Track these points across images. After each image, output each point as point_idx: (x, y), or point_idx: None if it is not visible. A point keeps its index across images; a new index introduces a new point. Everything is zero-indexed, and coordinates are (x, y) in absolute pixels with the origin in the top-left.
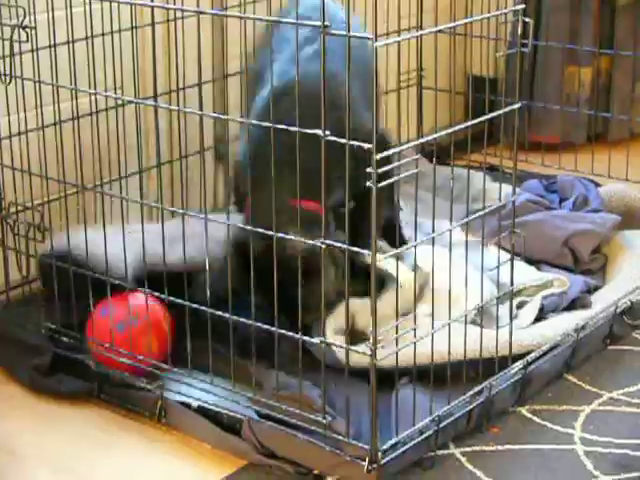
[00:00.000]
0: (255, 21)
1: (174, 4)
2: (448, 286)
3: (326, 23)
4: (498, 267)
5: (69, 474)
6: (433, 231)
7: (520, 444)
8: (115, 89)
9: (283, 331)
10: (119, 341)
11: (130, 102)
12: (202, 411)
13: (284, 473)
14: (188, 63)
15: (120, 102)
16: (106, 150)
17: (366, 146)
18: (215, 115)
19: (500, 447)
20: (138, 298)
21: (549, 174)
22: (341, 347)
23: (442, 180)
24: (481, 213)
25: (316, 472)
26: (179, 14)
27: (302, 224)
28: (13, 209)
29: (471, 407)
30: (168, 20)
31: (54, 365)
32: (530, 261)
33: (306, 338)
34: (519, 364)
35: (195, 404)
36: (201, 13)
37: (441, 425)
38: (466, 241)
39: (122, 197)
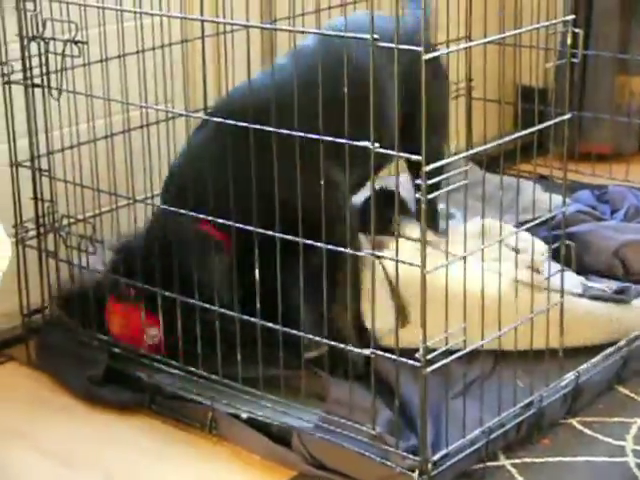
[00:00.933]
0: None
1: (223, 18)
2: (497, 296)
3: (375, 36)
4: (549, 278)
5: None
6: (482, 241)
7: (571, 456)
8: (165, 102)
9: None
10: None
11: (180, 115)
12: (252, 422)
13: None
14: (237, 76)
15: (170, 115)
16: (157, 162)
17: (414, 157)
18: (266, 128)
19: (551, 459)
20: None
21: (600, 184)
22: (391, 358)
23: (492, 189)
24: (531, 224)
25: None
26: (228, 28)
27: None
28: (65, 221)
29: (522, 418)
30: (218, 33)
31: (107, 376)
32: (580, 272)
33: (356, 350)
34: (570, 375)
35: (245, 415)
36: (250, 27)
37: (491, 436)
38: (516, 250)
39: (172, 209)
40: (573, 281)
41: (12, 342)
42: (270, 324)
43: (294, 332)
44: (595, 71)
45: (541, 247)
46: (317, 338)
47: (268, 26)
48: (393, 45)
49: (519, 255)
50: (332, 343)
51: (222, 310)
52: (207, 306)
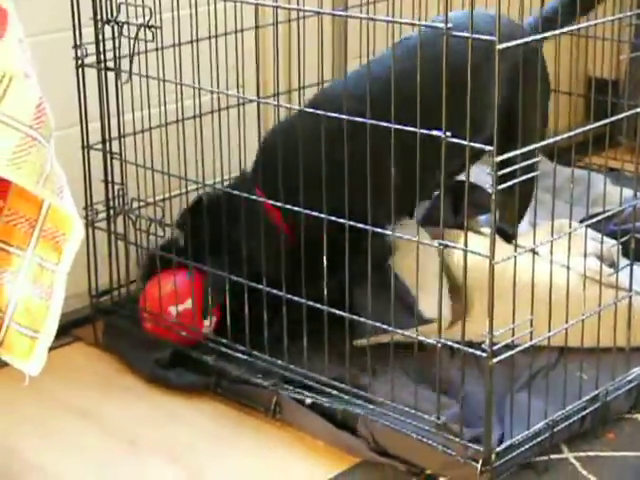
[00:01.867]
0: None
1: (296, 4)
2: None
3: (449, 25)
4: (617, 272)
5: (184, 466)
6: (552, 234)
7: (636, 451)
8: (237, 87)
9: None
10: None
11: (251, 101)
12: (316, 408)
13: (396, 471)
14: (308, 62)
15: (241, 101)
16: (227, 147)
17: (487, 148)
18: (335, 115)
19: (615, 453)
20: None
21: None
22: (458, 347)
23: (562, 182)
24: (601, 217)
25: (428, 472)
26: (301, 14)
27: None
28: (135, 204)
29: (586, 412)
30: (290, 20)
31: (173, 359)
32: None
33: (422, 339)
34: (637, 370)
35: (309, 401)
36: (322, 13)
37: (555, 429)
38: (585, 243)
39: (241, 194)
40: None
41: (80, 323)
42: (337, 311)
43: (362, 319)
44: None
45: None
46: (384, 326)
47: (340, 13)
48: (467, 35)
49: (589, 251)
50: (399, 331)
51: (288, 296)
52: (274, 291)
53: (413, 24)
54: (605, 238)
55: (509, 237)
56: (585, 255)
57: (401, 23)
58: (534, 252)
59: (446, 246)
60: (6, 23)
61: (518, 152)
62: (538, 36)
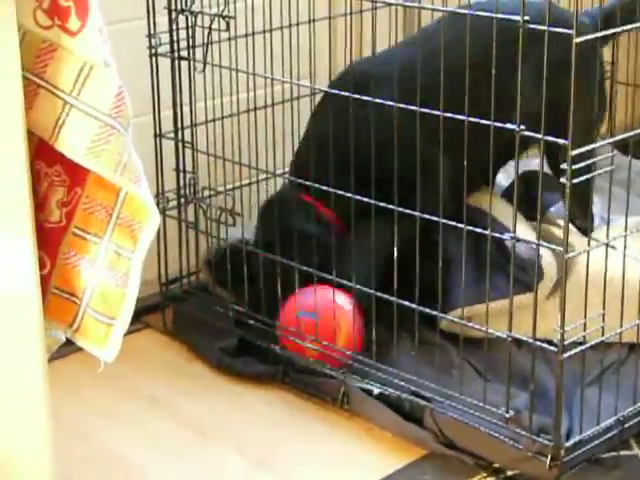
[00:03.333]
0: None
1: None
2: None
3: (526, 18)
4: None
5: (254, 456)
6: (626, 229)
7: None
8: (311, 78)
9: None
10: (306, 329)
11: (322, 91)
12: (384, 398)
13: (463, 464)
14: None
15: (313, 91)
16: (297, 138)
17: (561, 142)
18: (403, 106)
19: None
20: (325, 289)
21: None
22: (527, 341)
23: (634, 176)
24: None
25: (496, 465)
26: (373, 5)
27: None
28: (206, 193)
29: None
30: (362, 10)
31: (240, 348)
32: None
33: (492, 331)
34: None
35: (376, 391)
36: (393, 5)
37: (626, 425)
38: None
39: (310, 184)
40: None
41: (150, 310)
42: (406, 302)
43: (428, 311)
44: None
45: None
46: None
47: (412, 4)
48: (544, 27)
49: None
50: (463, 322)
51: (357, 286)
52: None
53: (490, 16)
54: None
55: (583, 232)
56: None
57: (477, 15)
58: (607, 246)
59: (518, 240)
60: (87, 12)
61: (595, 145)
62: (614, 30)
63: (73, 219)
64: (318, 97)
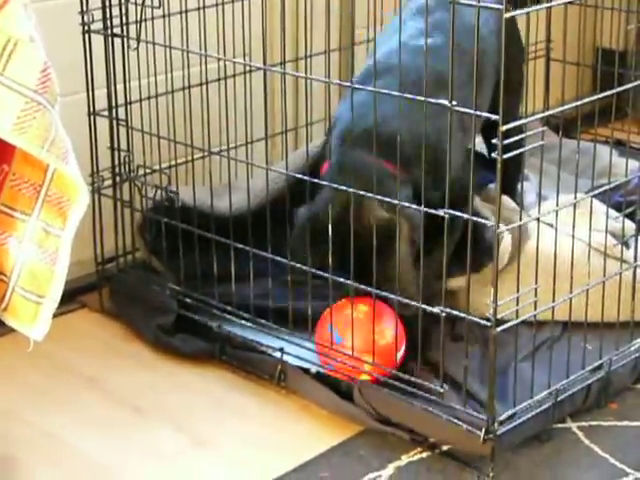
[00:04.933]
0: None
1: None
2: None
3: None
4: (622, 244)
5: (189, 433)
6: (557, 204)
7: (639, 421)
8: (244, 55)
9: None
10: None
11: (258, 69)
12: (320, 377)
13: (399, 440)
14: (315, 31)
15: (248, 68)
16: (232, 115)
17: (493, 117)
18: (341, 83)
19: (618, 423)
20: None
21: None
22: (462, 318)
23: (568, 153)
24: (606, 187)
25: (432, 440)
26: None
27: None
28: (141, 171)
29: (590, 382)
30: None
31: (178, 325)
32: None
33: (426, 307)
34: None
35: (314, 370)
36: None
37: (559, 399)
38: (590, 213)
39: (248, 162)
40: None
41: (86, 290)
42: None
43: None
44: None
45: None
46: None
47: None
48: (474, 3)
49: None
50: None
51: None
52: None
53: None
54: (614, 212)
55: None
56: (590, 227)
57: None
58: (539, 221)
59: (452, 216)
60: None
61: (523, 122)
62: (546, 5)
63: (0, 197)
64: (253, 75)
